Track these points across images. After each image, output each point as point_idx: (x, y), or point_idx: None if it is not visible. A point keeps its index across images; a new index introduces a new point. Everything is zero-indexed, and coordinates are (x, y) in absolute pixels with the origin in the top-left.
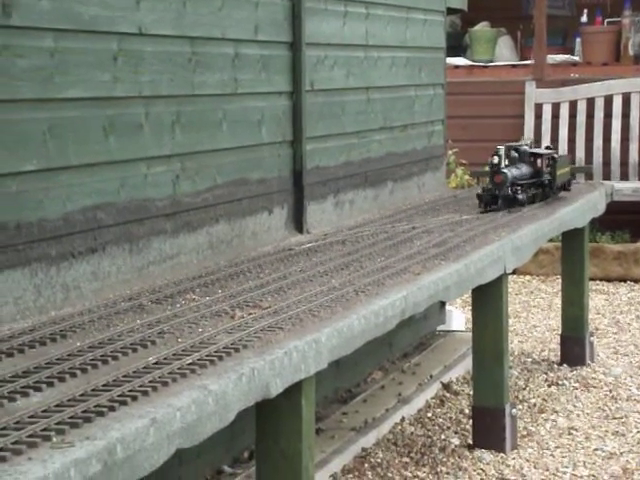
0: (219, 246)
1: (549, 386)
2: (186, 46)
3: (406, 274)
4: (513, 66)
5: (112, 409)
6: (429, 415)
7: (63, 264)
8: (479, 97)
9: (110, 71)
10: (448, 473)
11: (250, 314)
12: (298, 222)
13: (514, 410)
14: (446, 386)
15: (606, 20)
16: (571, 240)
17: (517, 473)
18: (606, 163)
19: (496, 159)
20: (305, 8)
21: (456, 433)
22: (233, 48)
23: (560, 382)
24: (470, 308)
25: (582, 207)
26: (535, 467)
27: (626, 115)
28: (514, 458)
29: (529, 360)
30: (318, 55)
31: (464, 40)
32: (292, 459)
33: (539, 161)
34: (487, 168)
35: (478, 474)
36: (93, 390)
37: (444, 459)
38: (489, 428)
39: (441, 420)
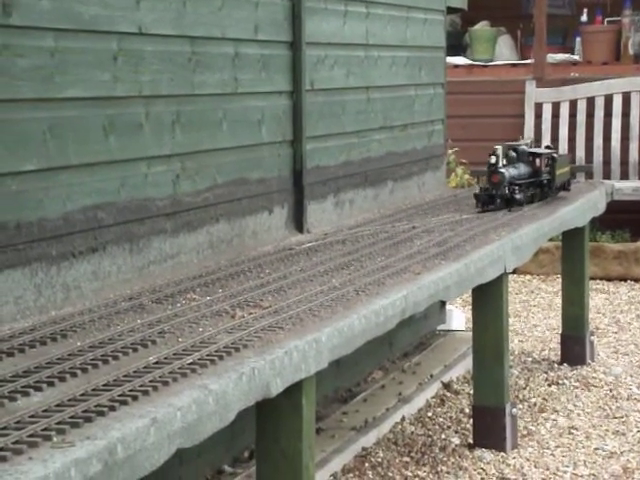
0: (219, 246)
1: (549, 385)
2: (186, 46)
3: (406, 273)
4: (513, 65)
5: (113, 409)
6: (429, 414)
7: (63, 264)
8: (479, 96)
9: (110, 71)
10: (448, 472)
11: (250, 314)
12: (298, 222)
13: (514, 409)
14: (446, 385)
15: (606, 19)
16: (571, 239)
17: (517, 472)
18: (606, 162)
19: (493, 159)
20: (305, 7)
21: (456, 432)
22: (233, 48)
23: (560, 381)
24: (470, 307)
25: (582, 206)
26: (535, 466)
27: (626, 114)
28: (514, 457)
29: (529, 359)
30: (318, 54)
31: (464, 39)
32: (292, 459)
33: (538, 161)
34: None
35: (478, 473)
36: (94, 390)
37: (444, 458)
38: (489, 427)
39: (441, 419)
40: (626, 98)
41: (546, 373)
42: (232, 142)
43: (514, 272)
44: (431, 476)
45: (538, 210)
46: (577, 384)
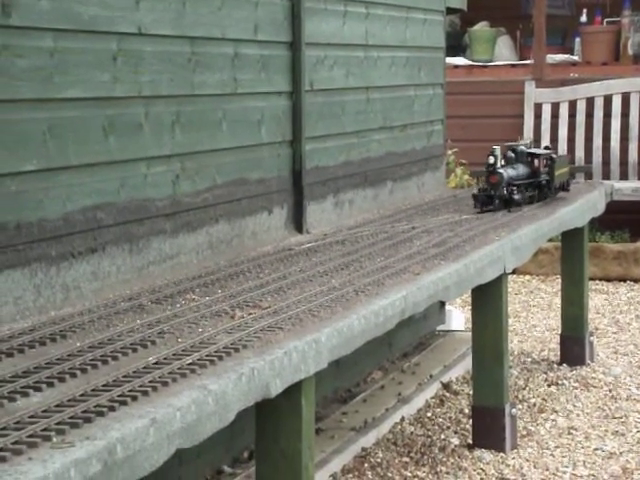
0: (219, 246)
1: (549, 386)
2: (186, 46)
3: (406, 274)
4: (512, 66)
5: (112, 409)
6: (429, 415)
7: (63, 264)
8: (478, 97)
9: (110, 71)
10: (448, 473)
11: (250, 314)
12: (298, 222)
13: (514, 410)
14: (446, 386)
15: (605, 20)
16: (571, 240)
17: (517, 473)
18: (605, 163)
19: (492, 159)
20: (305, 8)
21: (456, 433)
22: (233, 48)
23: (560, 382)
24: (470, 308)
25: (582, 207)
26: (535, 467)
27: (625, 115)
28: (514, 458)
29: (529, 360)
30: (318, 55)
31: (463, 40)
32: (292, 459)
33: (536, 161)
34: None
35: (478, 474)
36: (93, 390)
37: (444, 459)
38: (489, 428)
39: (441, 420)
40: (625, 98)
41: (545, 373)
42: (232, 142)
43: (513, 272)
44: (430, 476)
45: (537, 210)
46: (576, 384)
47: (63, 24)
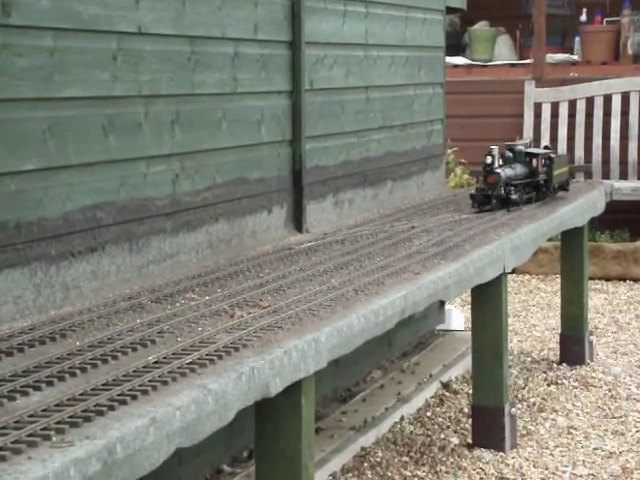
0: (218, 245)
1: (548, 385)
2: (185, 45)
3: (406, 273)
4: (512, 65)
5: (112, 408)
6: (428, 414)
7: (63, 263)
8: (478, 96)
9: (110, 70)
10: (447, 472)
11: (250, 313)
12: (297, 221)
13: (513, 409)
14: (445, 385)
15: (605, 19)
16: (570, 239)
17: (516, 472)
18: (605, 162)
19: (489, 159)
20: (305, 7)
21: (455, 432)
22: (233, 47)
23: (559, 381)
24: (469, 307)
25: (581, 206)
26: (534, 466)
27: (625, 114)
28: (513, 457)
29: (528, 359)
30: (317, 54)
31: (463, 39)
32: (292, 458)
33: (534, 161)
34: None
35: (477, 473)
36: (93, 389)
37: (443, 458)
38: (488, 427)
39: (440, 419)
40: (625, 98)
41: (545, 373)
42: (231, 142)
43: (513, 272)
44: (430, 476)
45: (537, 210)
46: (576, 384)
47: (63, 23)
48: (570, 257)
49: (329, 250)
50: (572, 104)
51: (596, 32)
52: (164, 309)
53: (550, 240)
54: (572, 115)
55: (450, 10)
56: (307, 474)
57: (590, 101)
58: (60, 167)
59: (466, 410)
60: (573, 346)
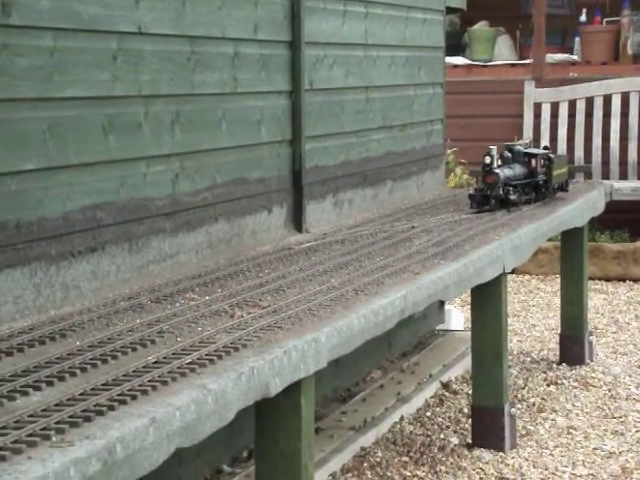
0: (218, 245)
1: (548, 385)
2: (186, 45)
3: (405, 273)
4: (512, 65)
5: (112, 408)
6: (428, 414)
7: (63, 263)
8: (478, 96)
9: (109, 70)
10: (447, 472)
11: (249, 313)
12: (297, 221)
13: (513, 409)
14: (445, 385)
15: (605, 19)
16: (570, 239)
17: (516, 472)
18: (605, 162)
19: (488, 159)
20: (304, 7)
21: (455, 432)
22: (233, 47)
23: (559, 381)
24: (469, 307)
25: (581, 206)
26: (534, 466)
27: (625, 114)
28: (513, 457)
29: (528, 359)
30: (317, 54)
31: (463, 39)
32: (291, 458)
33: (533, 161)
34: None
35: (477, 473)
36: (93, 389)
37: (443, 458)
38: (488, 427)
39: (440, 419)
40: (625, 98)
41: (545, 373)
42: (231, 142)
43: (513, 272)
44: (430, 476)
45: (537, 210)
46: (576, 384)
47: (63, 23)
48: (570, 257)
49: (329, 250)
50: (572, 104)
51: (596, 32)
52: (164, 309)
53: (550, 240)
54: (572, 115)
55: (450, 10)
56: (307, 474)
57: (590, 101)
58: (60, 167)
59: (466, 410)
60: (573, 346)
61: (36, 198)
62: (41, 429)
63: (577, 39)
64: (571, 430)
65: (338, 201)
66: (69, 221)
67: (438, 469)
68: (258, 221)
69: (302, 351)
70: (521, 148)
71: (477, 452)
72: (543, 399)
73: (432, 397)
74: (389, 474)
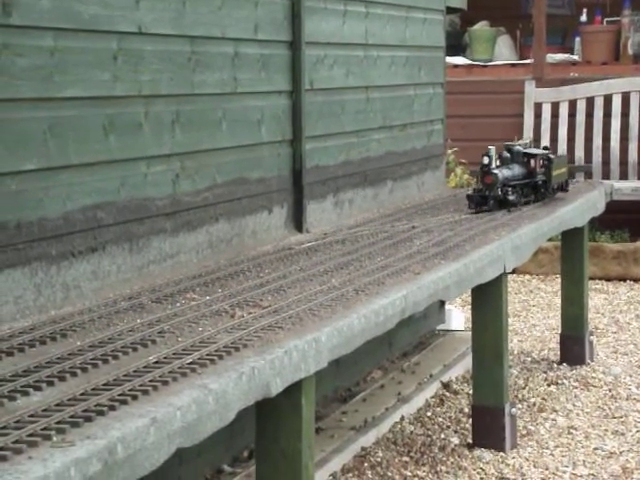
0: (219, 245)
1: (549, 385)
2: (186, 45)
3: (406, 273)
4: (512, 65)
5: (112, 408)
6: (429, 414)
7: (63, 263)
8: (478, 96)
9: (110, 70)
10: (448, 472)
11: (250, 313)
12: (298, 221)
13: (514, 409)
14: (446, 385)
15: (605, 19)
16: (571, 239)
17: (517, 472)
18: (605, 162)
19: (486, 160)
20: (305, 7)
21: (456, 432)
22: (233, 47)
23: (560, 381)
24: (470, 307)
25: (581, 206)
26: (535, 466)
27: (625, 114)
28: (514, 457)
29: (529, 359)
30: (318, 54)
31: (463, 39)
32: (292, 458)
33: (532, 161)
34: None
35: (478, 473)
36: (93, 389)
37: (444, 458)
38: (489, 427)
39: (441, 419)
40: (625, 98)
41: (545, 373)
42: (232, 142)
43: (513, 272)
44: (430, 476)
45: (537, 210)
46: (576, 384)
47: (63, 23)
48: (570, 257)
49: (329, 250)
50: (572, 104)
51: (596, 32)
52: (164, 309)
53: (550, 240)
54: (572, 115)
55: (450, 10)
56: (307, 474)
57: (590, 101)
58: (60, 167)
59: (466, 410)
60: (573, 346)
61: (36, 198)
62: (42, 429)
63: (577, 39)
64: (572, 430)
65: (338, 201)
66: (69, 221)
67: (439, 469)
68: (259, 221)
69: (303, 351)
70: (520, 148)
71: (478, 452)
72: (544, 399)
73: (432, 397)
74: (389, 474)
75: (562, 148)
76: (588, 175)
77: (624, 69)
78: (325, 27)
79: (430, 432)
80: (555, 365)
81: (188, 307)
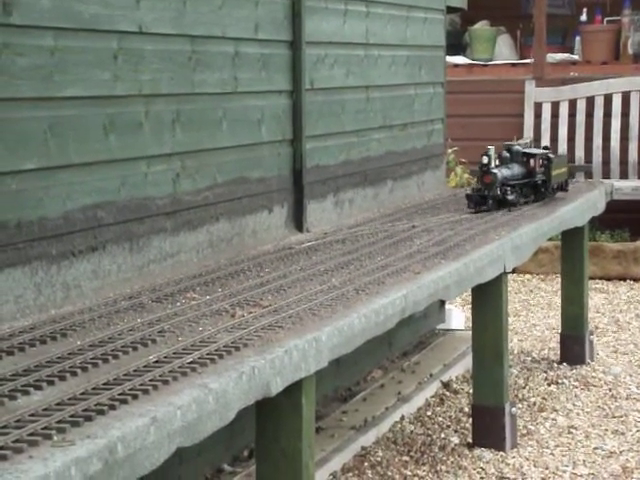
0: (219, 245)
1: (549, 385)
2: (186, 45)
3: (406, 273)
4: (513, 65)
5: (113, 408)
6: (429, 414)
7: (63, 263)
8: (479, 96)
9: (110, 70)
10: (448, 472)
11: (250, 313)
12: (298, 221)
13: (514, 409)
14: (446, 385)
15: (605, 19)
16: (571, 239)
17: (517, 472)
18: (605, 162)
19: (485, 159)
20: (305, 6)
21: (456, 432)
22: (233, 47)
23: (560, 381)
24: (470, 307)
25: (582, 206)
26: (535, 466)
27: (625, 114)
28: (514, 457)
29: (529, 359)
30: (318, 54)
31: (464, 39)
32: (292, 458)
33: (532, 161)
34: None
35: (478, 473)
36: (94, 389)
37: (444, 458)
38: (489, 427)
39: (441, 419)
40: (625, 98)
41: (545, 372)
42: (232, 141)
43: (513, 271)
44: (430, 475)
45: (537, 210)
46: (576, 383)
47: (64, 23)
48: (570, 257)
49: (330, 249)
50: (572, 104)
51: (596, 32)
52: (165, 308)
53: (550, 240)
54: (572, 115)
55: (451, 9)
56: (307, 473)
57: (590, 101)
58: (61, 166)
59: (466, 410)
60: (573, 346)
61: (37, 197)
62: (42, 428)
63: (578, 39)
64: (572, 430)
65: (339, 200)
66: (70, 220)
67: (439, 468)
68: (259, 220)
69: (303, 350)
70: (519, 148)
71: (478, 451)
72: (544, 398)
73: (433, 396)
74: (390, 473)
75: (562, 148)
76: (588, 175)
77: (624, 69)
78: (326, 27)
79: (430, 431)
80: (555, 365)
81: (188, 306)
